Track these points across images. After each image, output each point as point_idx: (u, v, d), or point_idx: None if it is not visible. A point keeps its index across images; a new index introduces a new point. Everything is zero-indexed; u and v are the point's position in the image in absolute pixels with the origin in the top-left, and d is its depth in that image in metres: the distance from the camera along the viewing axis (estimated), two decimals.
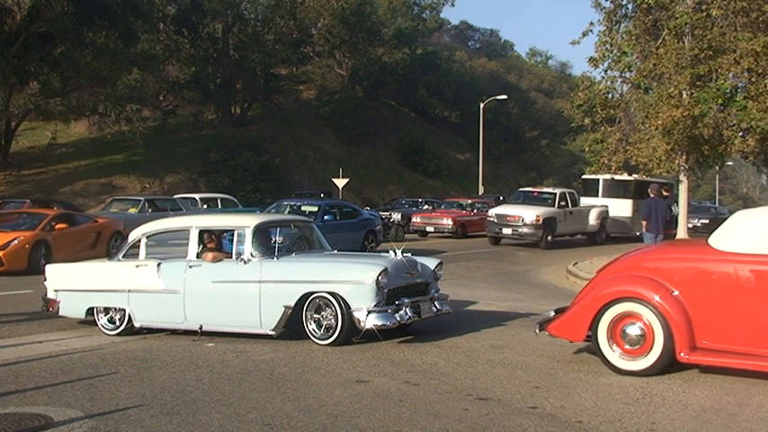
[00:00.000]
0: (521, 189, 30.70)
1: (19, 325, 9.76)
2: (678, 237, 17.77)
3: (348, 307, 8.33)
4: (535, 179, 58.78)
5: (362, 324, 8.29)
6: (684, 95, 16.76)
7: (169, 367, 7.56)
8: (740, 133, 17.11)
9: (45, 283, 9.93)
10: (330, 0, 52.01)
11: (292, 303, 8.54)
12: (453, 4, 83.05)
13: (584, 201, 28.23)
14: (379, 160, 55.17)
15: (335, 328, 8.39)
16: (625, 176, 24.68)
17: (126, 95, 38.95)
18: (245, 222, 9.25)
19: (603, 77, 18.94)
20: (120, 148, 41.94)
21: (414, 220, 30.25)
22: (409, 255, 9.30)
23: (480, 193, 43.58)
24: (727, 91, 16.75)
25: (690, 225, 21.87)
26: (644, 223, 15.56)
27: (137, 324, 9.33)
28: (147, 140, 40.10)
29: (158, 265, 9.22)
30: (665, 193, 16.16)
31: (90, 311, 9.60)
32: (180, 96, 49.37)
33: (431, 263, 9.59)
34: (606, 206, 28.03)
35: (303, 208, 19.44)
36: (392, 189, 51.38)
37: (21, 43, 33.67)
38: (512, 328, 9.83)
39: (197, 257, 9.19)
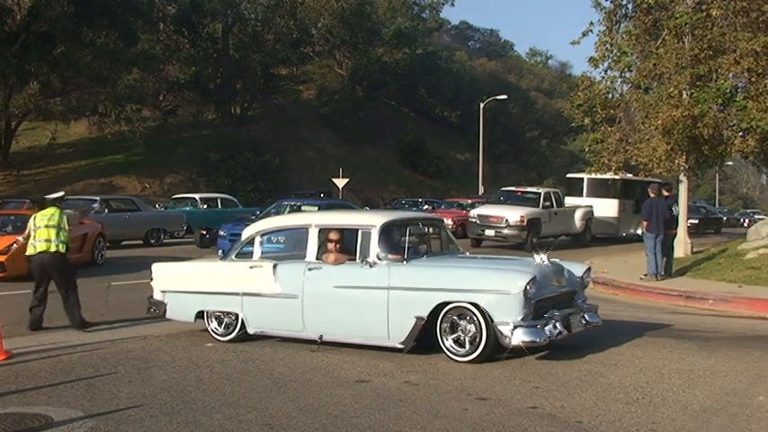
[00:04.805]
0: (503, 188, 29.05)
1: (19, 325, 9.75)
2: (678, 236, 17.74)
3: (491, 320, 7.37)
4: (535, 179, 58.80)
5: (508, 340, 7.30)
6: (684, 95, 16.74)
7: (169, 367, 7.55)
8: (740, 133, 17.10)
9: (151, 283, 9.40)
10: (330, 0, 52.05)
11: (425, 314, 7.58)
12: (453, 4, 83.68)
13: (569, 201, 27.01)
14: (379, 160, 55.17)
15: (478, 344, 7.43)
16: (609, 176, 23.20)
17: (126, 95, 39.03)
18: (371, 221, 8.32)
19: (603, 77, 18.88)
20: (120, 148, 41.97)
21: None
22: (556, 259, 8.38)
23: (480, 193, 43.55)
24: (727, 91, 16.73)
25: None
26: (644, 224, 15.55)
27: (250, 330, 8.60)
28: (147, 140, 40.16)
29: (274, 266, 8.38)
30: (665, 193, 16.15)
31: (199, 315, 8.94)
32: (180, 96, 49.43)
33: (577, 269, 8.61)
34: (591, 206, 26.86)
35: (303, 208, 19.42)
36: (392, 189, 51.40)
37: (21, 43, 33.72)
38: None
39: (317, 259, 8.33)
